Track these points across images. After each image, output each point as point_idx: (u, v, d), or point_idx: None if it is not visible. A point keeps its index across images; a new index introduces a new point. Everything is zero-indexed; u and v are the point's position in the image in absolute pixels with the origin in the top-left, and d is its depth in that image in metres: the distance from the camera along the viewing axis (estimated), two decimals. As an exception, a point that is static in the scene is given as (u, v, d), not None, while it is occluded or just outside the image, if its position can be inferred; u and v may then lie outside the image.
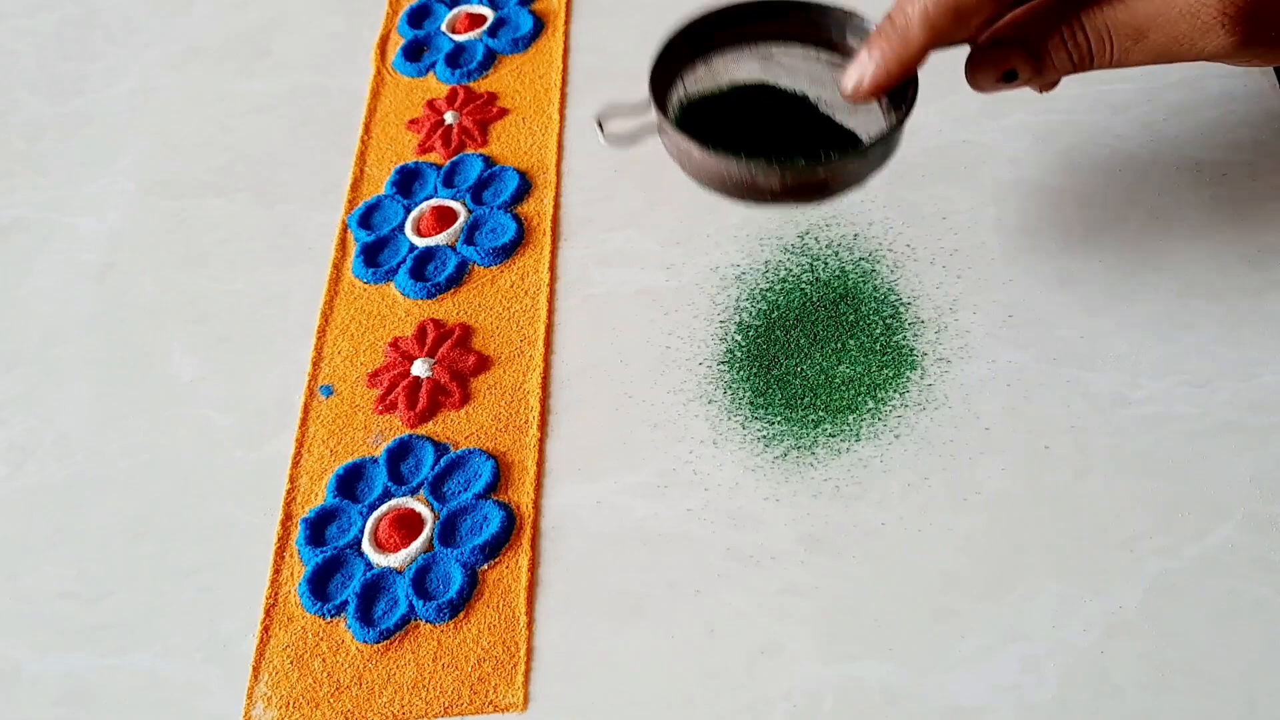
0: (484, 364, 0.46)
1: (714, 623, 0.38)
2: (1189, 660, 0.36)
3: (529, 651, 0.39)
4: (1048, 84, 0.39)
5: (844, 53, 0.41)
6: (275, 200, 0.53)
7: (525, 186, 0.51)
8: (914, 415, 0.42)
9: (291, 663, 0.39)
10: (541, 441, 0.43)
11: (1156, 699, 0.35)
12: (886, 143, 0.40)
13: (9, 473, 0.46)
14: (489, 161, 0.53)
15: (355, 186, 0.53)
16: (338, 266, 0.50)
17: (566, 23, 0.58)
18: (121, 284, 0.51)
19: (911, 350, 0.44)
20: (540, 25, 0.58)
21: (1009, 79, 0.38)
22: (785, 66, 0.43)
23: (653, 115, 0.40)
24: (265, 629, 0.40)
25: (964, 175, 0.48)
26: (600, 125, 0.40)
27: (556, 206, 0.51)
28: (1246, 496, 0.39)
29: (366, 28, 0.60)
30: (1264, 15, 0.36)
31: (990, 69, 0.38)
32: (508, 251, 0.49)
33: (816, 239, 0.47)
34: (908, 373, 0.43)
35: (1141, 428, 0.41)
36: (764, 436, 0.42)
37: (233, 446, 0.45)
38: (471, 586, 0.40)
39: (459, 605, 0.40)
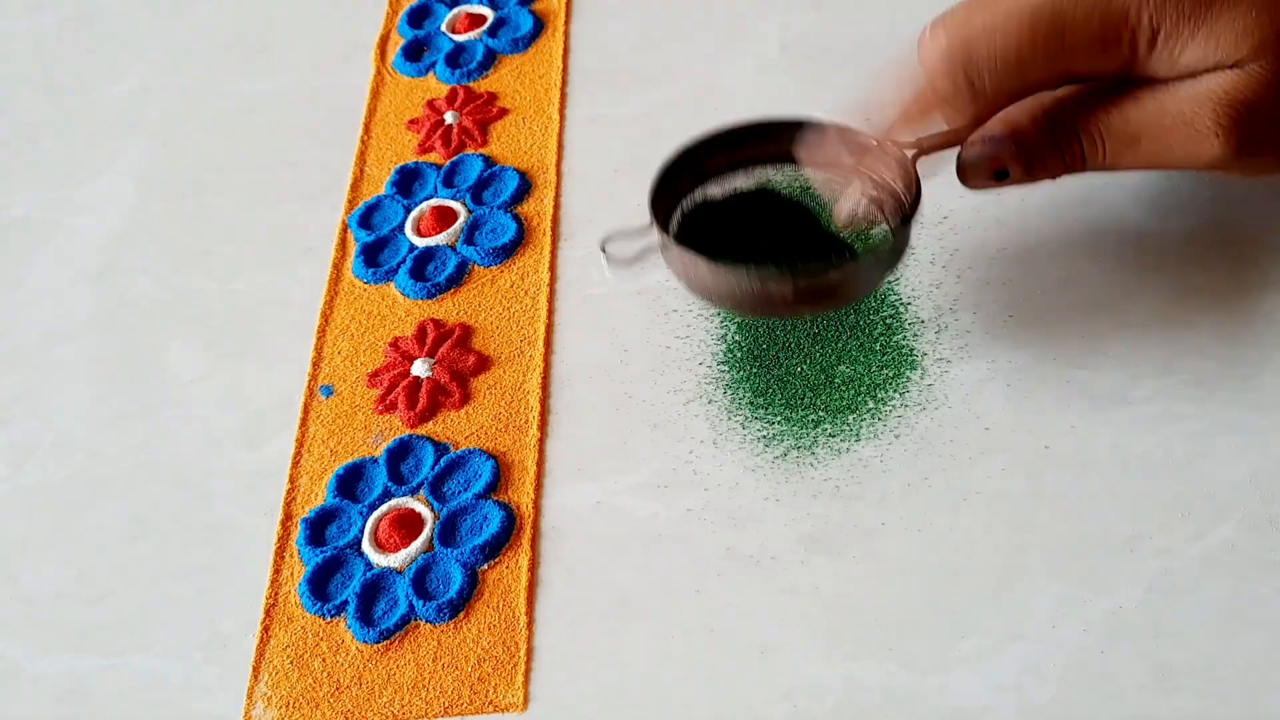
0: (484, 364, 0.46)
1: (714, 623, 0.38)
2: (1189, 660, 0.36)
3: (529, 651, 0.39)
4: (1046, 178, 0.39)
5: (841, 168, 0.41)
6: (275, 200, 0.53)
7: (525, 186, 0.51)
8: (914, 415, 0.42)
9: (291, 663, 0.39)
10: (541, 441, 0.44)
11: (1156, 699, 0.35)
12: (897, 243, 0.39)
13: (9, 473, 0.46)
14: (489, 161, 0.53)
15: (355, 186, 0.53)
16: (338, 266, 0.50)
17: (566, 23, 0.58)
18: (121, 284, 0.51)
19: (911, 350, 0.44)
20: (540, 25, 0.58)
21: (1000, 178, 0.39)
22: (783, 187, 0.43)
23: (654, 238, 0.40)
24: (265, 629, 0.40)
25: (964, 175, 0.48)
26: (604, 251, 0.40)
27: (556, 206, 0.51)
28: (1246, 496, 0.39)
29: (366, 28, 0.60)
30: (1260, 124, 0.36)
31: (982, 167, 0.39)
32: (508, 251, 0.49)
33: (816, 239, 0.47)
34: (908, 373, 0.43)
35: (1141, 428, 0.41)
36: (764, 436, 0.42)
37: (233, 446, 0.45)
38: (471, 586, 0.40)
39: (459, 605, 0.40)
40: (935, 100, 0.37)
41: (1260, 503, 0.39)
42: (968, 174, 0.39)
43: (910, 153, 0.40)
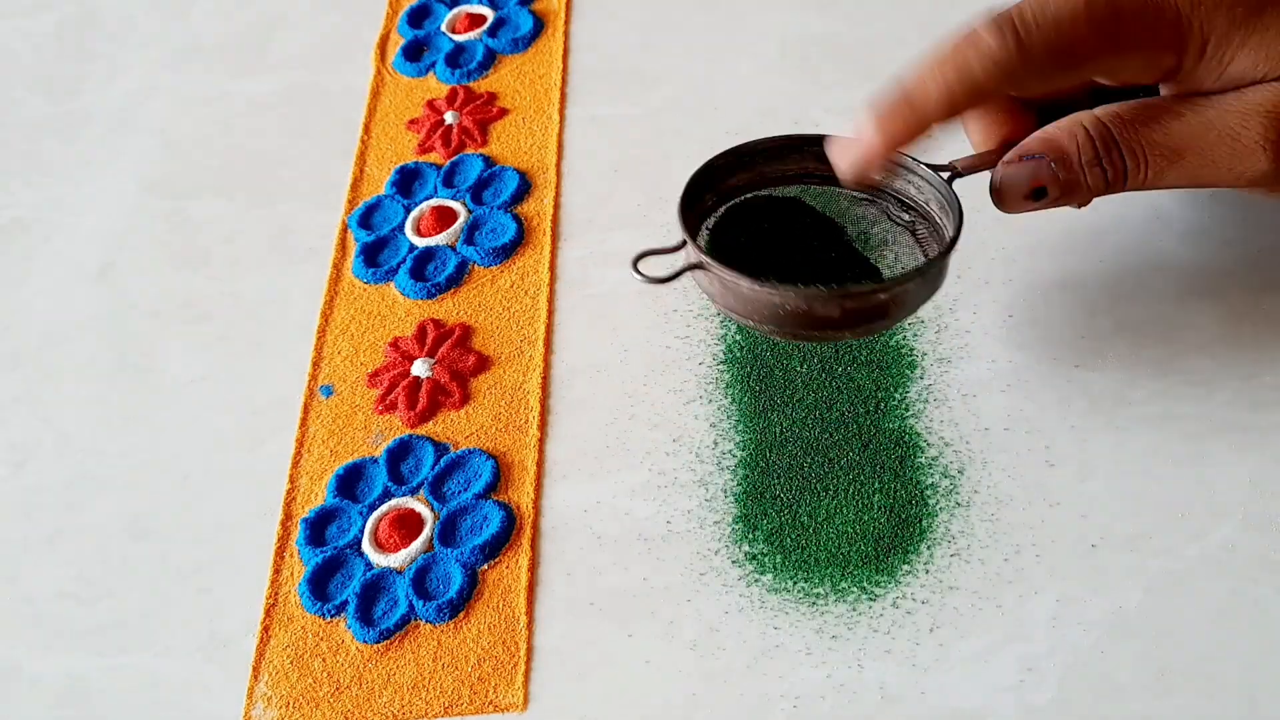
0: (484, 364, 0.46)
1: (714, 623, 0.38)
2: (1189, 660, 0.36)
3: (529, 651, 0.39)
4: (1081, 201, 0.38)
5: (869, 182, 0.39)
6: (275, 200, 0.53)
7: (525, 186, 0.51)
8: (913, 417, 0.42)
9: (291, 663, 0.39)
10: (541, 441, 0.44)
11: (1156, 699, 0.35)
12: (942, 264, 0.38)
13: (9, 473, 0.46)
14: (489, 161, 0.53)
15: (355, 186, 0.53)
16: (338, 266, 0.50)
17: (566, 23, 0.58)
18: (121, 284, 0.51)
19: (911, 350, 0.44)
20: (540, 25, 0.58)
21: (1038, 197, 0.37)
22: (814, 200, 0.41)
23: (687, 256, 0.38)
24: (265, 629, 0.40)
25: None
26: (636, 268, 0.38)
27: (556, 206, 0.51)
28: (1246, 496, 0.39)
29: (366, 28, 0.60)
30: None
31: (1019, 186, 0.37)
32: (508, 251, 0.49)
33: (816, 239, 0.47)
34: (908, 373, 0.43)
35: (1141, 428, 0.41)
36: (764, 437, 0.42)
37: (232, 446, 0.45)
38: (471, 586, 0.40)
39: (459, 605, 0.40)
40: (975, 60, 0.34)
41: (1260, 503, 0.39)
42: (1004, 194, 0.38)
43: (945, 175, 0.38)
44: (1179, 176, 0.36)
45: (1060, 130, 0.37)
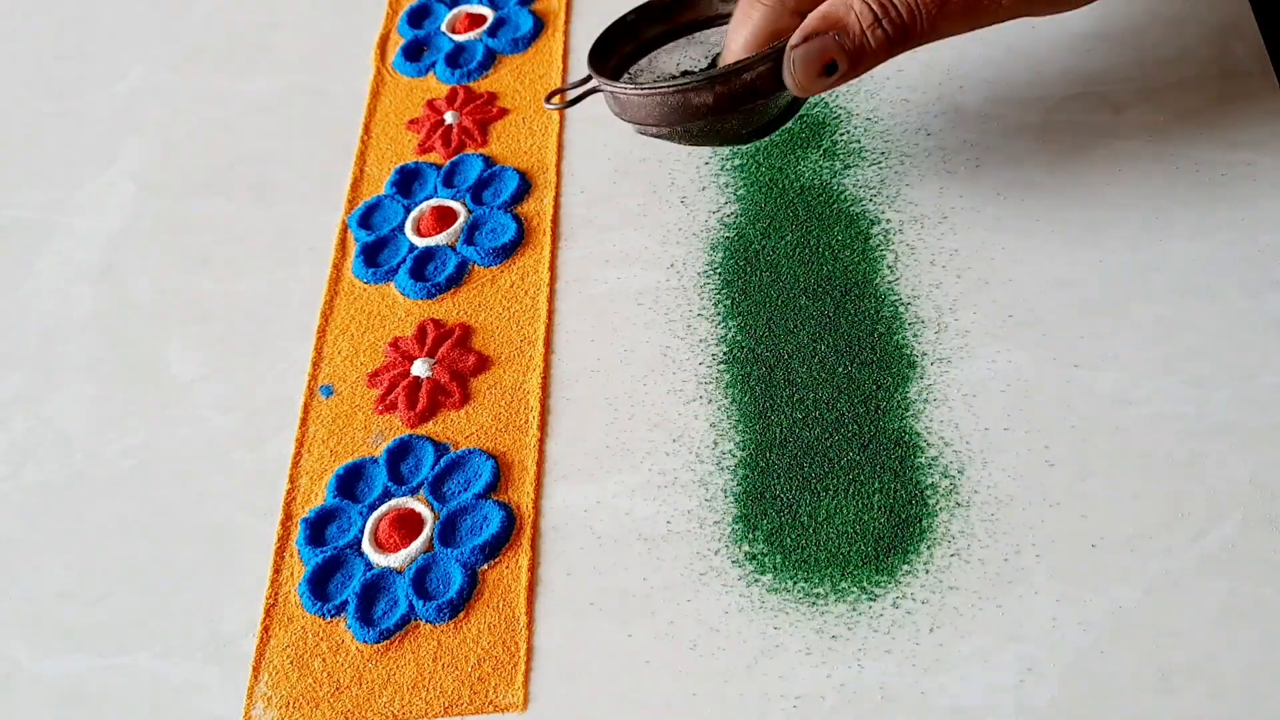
0: (484, 364, 0.46)
1: (714, 623, 0.38)
2: (1189, 660, 0.36)
3: (529, 651, 0.39)
4: (866, 68, 0.41)
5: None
6: (275, 200, 0.53)
7: (525, 186, 0.51)
8: (913, 417, 0.42)
9: (291, 663, 0.39)
10: (541, 441, 0.44)
11: (1157, 699, 0.35)
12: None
13: (9, 473, 0.46)
14: (489, 161, 0.53)
15: (355, 186, 0.53)
16: (338, 266, 0.50)
17: (566, 23, 0.58)
18: (121, 284, 0.51)
19: (911, 350, 0.44)
20: (540, 25, 0.58)
21: (830, 72, 0.40)
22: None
23: (593, 84, 0.43)
24: (265, 629, 0.40)
25: (964, 175, 0.48)
26: (547, 103, 0.45)
27: (556, 206, 0.51)
28: (1246, 496, 0.39)
29: (366, 28, 0.60)
30: None
31: (811, 65, 0.40)
32: (508, 251, 0.49)
33: (817, 239, 0.47)
34: (908, 373, 0.43)
35: (1141, 428, 0.41)
36: (765, 438, 0.42)
37: (233, 446, 0.45)
38: (471, 586, 0.40)
39: (459, 605, 0.40)
40: None
41: (1260, 503, 0.39)
42: (798, 74, 0.40)
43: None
44: (951, 19, 0.39)
45: (836, 5, 0.40)
